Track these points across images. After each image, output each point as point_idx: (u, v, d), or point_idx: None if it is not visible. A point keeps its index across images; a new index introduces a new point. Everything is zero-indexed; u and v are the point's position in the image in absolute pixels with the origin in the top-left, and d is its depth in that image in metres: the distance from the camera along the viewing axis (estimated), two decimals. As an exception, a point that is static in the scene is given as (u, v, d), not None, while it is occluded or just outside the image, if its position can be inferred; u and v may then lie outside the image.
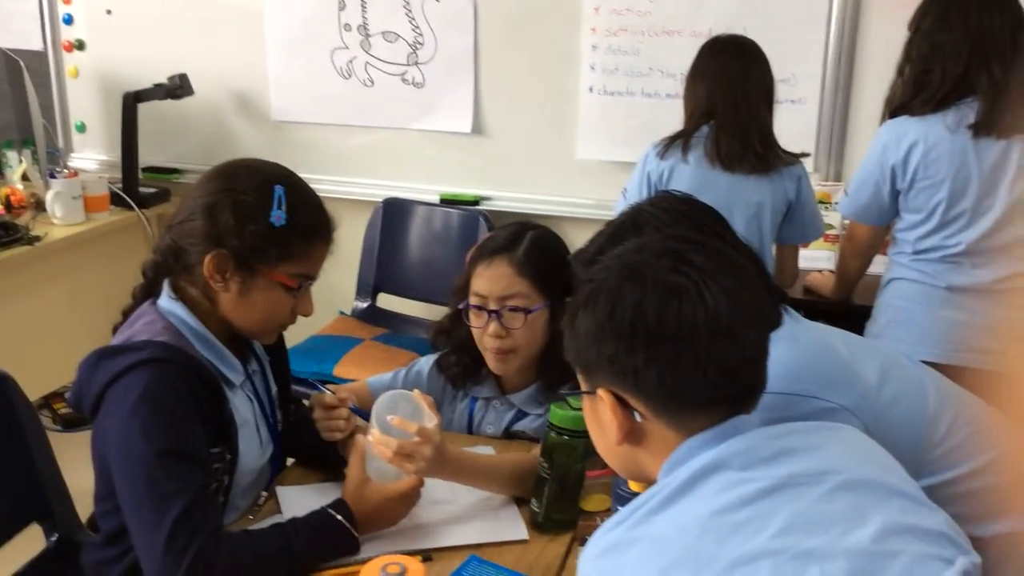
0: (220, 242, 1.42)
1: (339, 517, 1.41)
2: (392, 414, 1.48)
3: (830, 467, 1.00)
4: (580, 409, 1.47)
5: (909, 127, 2.22)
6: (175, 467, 1.33)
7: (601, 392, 1.05)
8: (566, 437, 1.47)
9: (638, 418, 1.04)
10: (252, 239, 1.42)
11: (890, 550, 0.92)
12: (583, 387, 1.11)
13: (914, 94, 2.23)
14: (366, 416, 1.56)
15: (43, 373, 3.03)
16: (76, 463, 1.81)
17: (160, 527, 1.28)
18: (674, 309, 0.99)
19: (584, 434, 1.48)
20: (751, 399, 1.05)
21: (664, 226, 1.38)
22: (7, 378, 1.70)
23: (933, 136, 2.19)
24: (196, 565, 1.27)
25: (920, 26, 2.24)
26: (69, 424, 3.38)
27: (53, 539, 1.74)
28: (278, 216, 1.42)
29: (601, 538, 1.00)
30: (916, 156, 2.21)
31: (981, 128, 2.15)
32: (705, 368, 0.99)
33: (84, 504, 1.73)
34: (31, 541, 1.74)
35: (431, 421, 1.49)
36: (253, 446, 1.55)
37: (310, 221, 1.48)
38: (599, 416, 1.08)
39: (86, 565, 1.55)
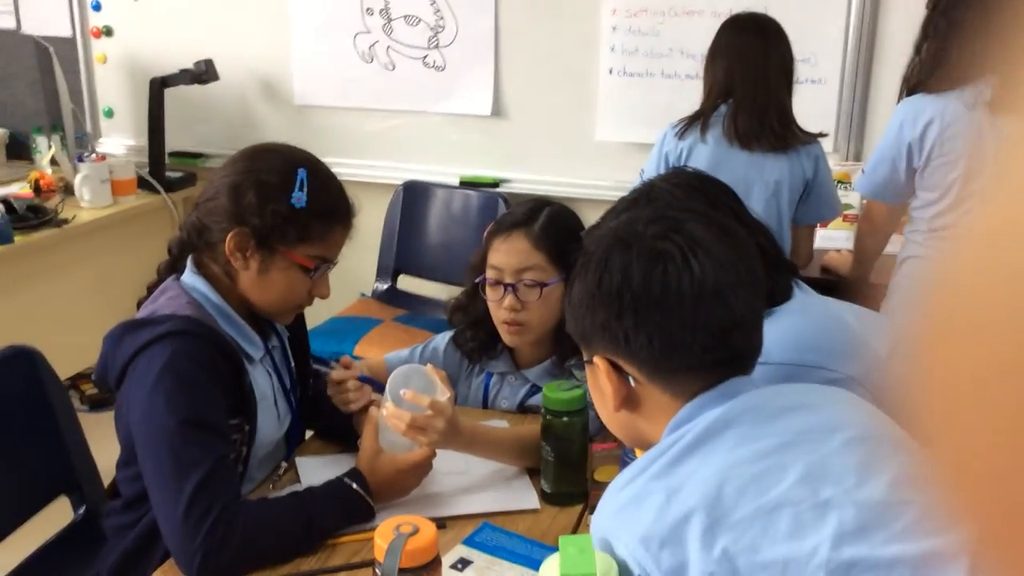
0: (242, 220, 1.46)
1: (354, 486, 1.44)
2: (406, 388, 1.51)
3: (839, 422, 1.02)
4: (572, 390, 1.51)
5: (926, 104, 2.21)
6: (196, 436, 1.36)
7: (597, 359, 1.07)
8: (563, 418, 1.50)
9: (632, 383, 1.06)
10: (273, 219, 1.46)
11: (902, 499, 0.93)
12: (584, 357, 1.13)
13: (931, 71, 2.22)
14: (380, 387, 1.58)
15: (70, 353, 3.09)
16: (102, 443, 1.84)
17: (180, 494, 1.32)
18: (659, 274, 1.01)
19: (578, 413, 1.51)
20: (745, 363, 1.07)
21: (676, 201, 1.40)
22: (36, 354, 1.74)
23: (950, 113, 2.18)
24: (215, 531, 1.30)
25: (938, 3, 2.22)
26: (96, 405, 3.45)
27: (81, 512, 1.78)
28: (299, 198, 1.46)
29: (616, 494, 1.02)
30: (933, 133, 2.20)
31: (999, 106, 2.14)
32: (693, 331, 1.01)
33: (109, 481, 1.77)
34: (57, 514, 1.79)
35: (444, 395, 1.51)
36: (271, 419, 1.58)
37: (330, 204, 1.51)
38: (599, 384, 1.10)
39: (107, 529, 1.59)
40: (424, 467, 1.51)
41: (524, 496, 1.53)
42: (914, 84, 2.26)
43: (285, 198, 1.46)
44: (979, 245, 0.34)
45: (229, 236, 1.46)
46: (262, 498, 1.46)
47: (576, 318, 1.09)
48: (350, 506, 1.43)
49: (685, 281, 1.01)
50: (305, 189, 1.46)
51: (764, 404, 1.03)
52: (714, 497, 0.94)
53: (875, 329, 1.46)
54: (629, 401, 1.07)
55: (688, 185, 1.45)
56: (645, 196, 1.43)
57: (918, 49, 2.26)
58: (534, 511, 1.50)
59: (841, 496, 0.93)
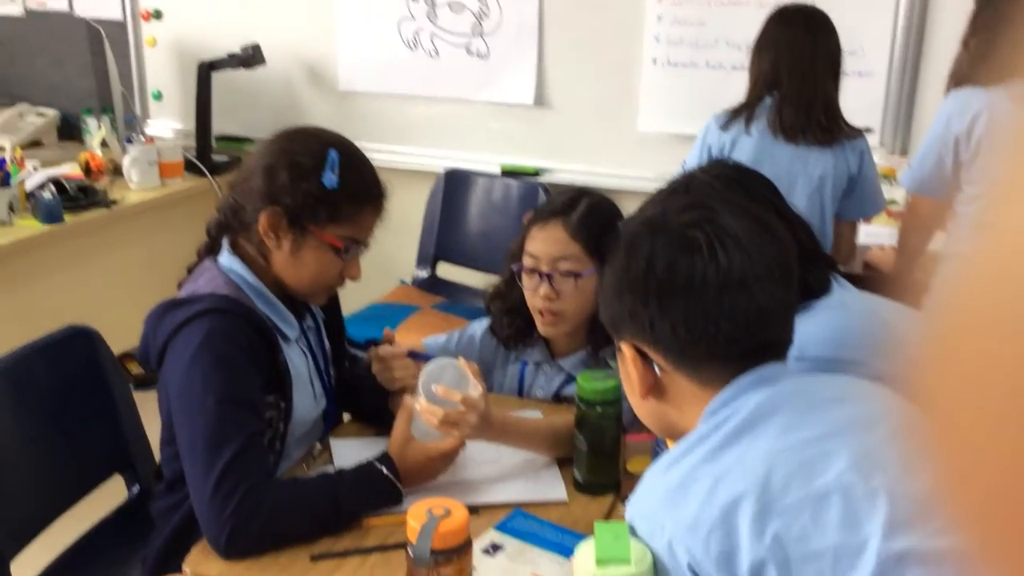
0: (275, 200, 1.50)
1: (384, 470, 1.45)
2: (438, 382, 1.52)
3: (881, 415, 1.01)
4: (606, 380, 1.51)
5: (974, 97, 2.18)
6: (231, 413, 1.39)
7: (623, 345, 1.08)
8: (597, 408, 1.51)
9: (658, 371, 1.06)
10: (304, 198, 1.49)
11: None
12: (615, 344, 1.14)
13: (979, 66, 2.19)
14: (426, 359, 1.60)
15: (117, 333, 3.14)
16: (147, 422, 1.88)
17: (212, 470, 1.35)
18: (684, 262, 1.01)
19: (612, 403, 1.51)
20: (775, 353, 1.06)
21: (715, 192, 1.39)
22: (94, 333, 1.79)
23: (1000, 107, 2.15)
24: (242, 507, 1.33)
25: None
26: (141, 384, 3.51)
27: (135, 490, 1.82)
28: (330, 178, 1.49)
29: (659, 480, 1.01)
30: (980, 126, 2.16)
31: None
32: (717, 321, 1.01)
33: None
34: (114, 492, 1.84)
35: (476, 389, 1.51)
36: (307, 399, 1.61)
37: (361, 186, 1.54)
38: (627, 371, 1.10)
39: (154, 512, 1.63)
40: (453, 455, 1.52)
41: (552, 487, 1.54)
42: (960, 78, 2.23)
43: (316, 178, 1.49)
44: (993, 254, 0.33)
45: (262, 216, 1.50)
46: (292, 477, 1.48)
47: (606, 304, 1.10)
48: (378, 489, 1.45)
49: (711, 270, 1.00)
50: (336, 170, 1.49)
51: (809, 392, 1.03)
52: (763, 483, 0.94)
53: (913, 326, 1.44)
54: (656, 389, 1.08)
55: (727, 177, 1.44)
56: (684, 187, 1.43)
57: (966, 43, 2.22)
58: (562, 503, 1.50)
59: (889, 485, 0.92)
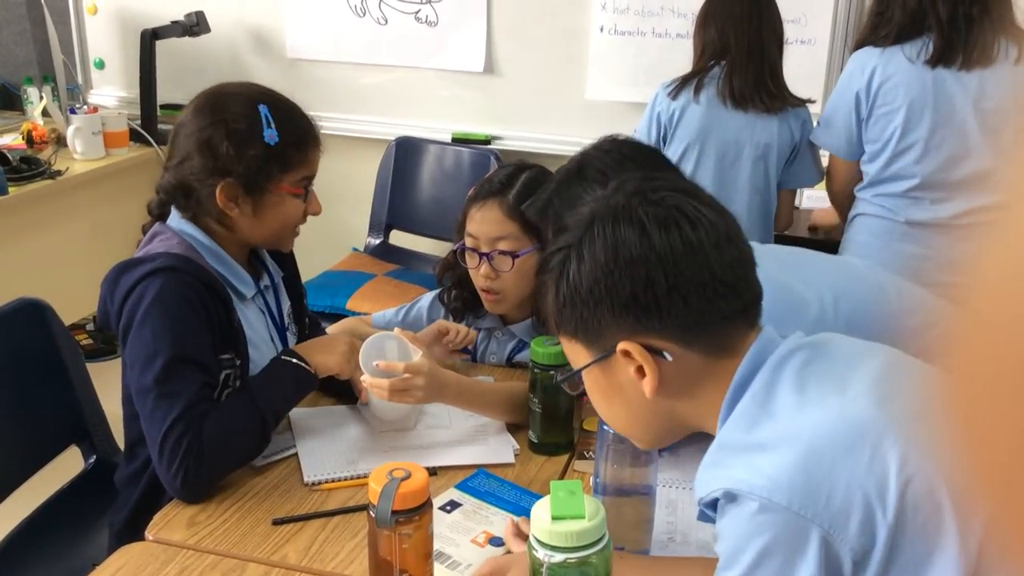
0: (225, 172, 1.51)
1: (284, 357, 1.55)
2: (379, 358, 1.55)
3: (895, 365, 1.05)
4: (559, 344, 1.53)
5: (871, 56, 2.29)
6: (180, 369, 1.44)
7: (625, 346, 1.01)
8: (550, 372, 1.55)
9: (669, 358, 1.02)
10: (254, 162, 1.51)
11: None
12: (584, 358, 1.06)
13: (873, 30, 2.29)
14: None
15: (64, 305, 3.11)
16: (100, 393, 1.88)
17: (163, 424, 1.41)
18: (675, 232, 1.00)
19: (566, 367, 1.54)
20: (758, 309, 1.06)
21: (607, 168, 1.42)
22: (45, 306, 1.78)
23: (892, 65, 2.25)
24: (188, 456, 1.40)
25: None
26: (91, 355, 3.49)
27: (91, 461, 1.83)
28: (270, 135, 1.52)
29: (763, 466, 0.94)
30: (876, 82, 2.27)
31: (938, 61, 2.21)
32: (722, 277, 1.00)
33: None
34: (68, 462, 1.84)
35: (416, 354, 1.55)
36: (266, 357, 1.63)
37: (299, 131, 1.57)
38: (616, 379, 1.05)
39: (119, 483, 1.64)
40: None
41: (502, 451, 1.58)
42: (860, 42, 2.33)
43: (258, 139, 1.51)
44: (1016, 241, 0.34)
45: (218, 191, 1.51)
46: (216, 409, 1.48)
47: (580, 308, 1.03)
48: (289, 378, 1.54)
49: (701, 232, 1.00)
50: (273, 124, 1.52)
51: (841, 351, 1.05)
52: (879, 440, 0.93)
53: (818, 275, 1.49)
54: (666, 382, 1.02)
55: (617, 151, 1.47)
56: (577, 164, 1.46)
57: (870, 12, 2.35)
58: (521, 462, 1.55)
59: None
